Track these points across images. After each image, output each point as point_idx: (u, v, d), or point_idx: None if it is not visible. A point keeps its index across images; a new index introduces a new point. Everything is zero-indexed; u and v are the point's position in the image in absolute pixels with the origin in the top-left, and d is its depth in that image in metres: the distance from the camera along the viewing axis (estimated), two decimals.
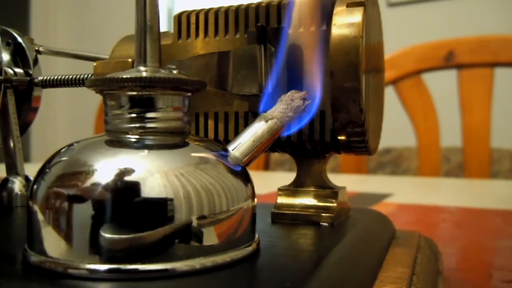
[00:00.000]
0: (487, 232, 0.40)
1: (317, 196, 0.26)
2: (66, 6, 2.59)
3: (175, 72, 0.26)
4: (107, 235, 0.16)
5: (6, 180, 0.29)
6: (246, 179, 0.19)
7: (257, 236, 0.20)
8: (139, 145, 0.18)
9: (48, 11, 2.54)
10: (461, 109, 0.91)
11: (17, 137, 0.30)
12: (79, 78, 0.30)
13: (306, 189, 0.26)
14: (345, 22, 0.23)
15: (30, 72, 0.31)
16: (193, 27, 0.27)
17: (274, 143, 0.26)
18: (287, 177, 0.28)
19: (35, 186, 0.17)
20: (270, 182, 0.72)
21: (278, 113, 0.20)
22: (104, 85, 0.19)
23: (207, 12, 0.27)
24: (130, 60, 0.28)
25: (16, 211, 0.28)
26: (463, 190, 0.74)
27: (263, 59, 0.24)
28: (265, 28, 0.25)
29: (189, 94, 0.20)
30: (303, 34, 0.24)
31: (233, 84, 0.25)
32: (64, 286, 0.15)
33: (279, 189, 0.27)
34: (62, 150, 0.18)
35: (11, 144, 0.30)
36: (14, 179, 0.29)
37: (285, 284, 0.15)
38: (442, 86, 1.07)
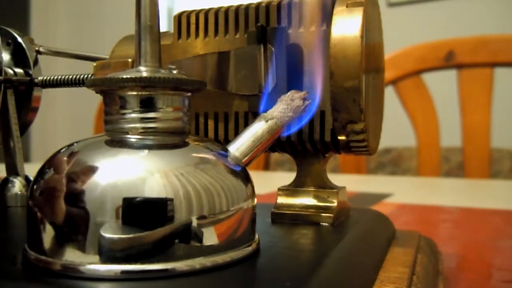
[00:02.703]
0: (487, 232, 0.40)
1: (317, 196, 0.26)
2: (66, 6, 2.59)
3: (175, 72, 0.26)
4: (107, 235, 0.16)
5: (6, 180, 0.29)
6: (246, 179, 0.19)
7: (257, 236, 0.20)
8: (139, 145, 0.18)
9: (48, 11, 2.54)
10: (461, 109, 0.91)
11: (17, 137, 0.30)
12: (79, 78, 0.30)
13: (306, 189, 0.26)
14: (345, 22, 0.23)
15: (30, 72, 0.31)
16: (193, 27, 0.27)
17: (274, 143, 0.26)
18: (287, 177, 0.28)
19: (35, 186, 0.17)
20: (270, 182, 0.72)
21: (278, 113, 0.20)
22: (104, 85, 0.19)
23: (207, 12, 0.27)
24: (130, 60, 0.27)
25: (16, 211, 0.28)
26: (463, 190, 0.74)
27: (262, 59, 0.24)
28: (265, 28, 0.25)
29: (189, 94, 0.20)
30: (303, 34, 0.24)
31: (233, 84, 0.25)
32: (64, 286, 0.15)
33: (279, 189, 0.27)
34: (62, 150, 0.18)
35: (11, 144, 0.30)
36: (14, 179, 0.29)
37: (285, 284, 0.15)
38: (442, 86, 1.07)
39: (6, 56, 0.31)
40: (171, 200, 0.16)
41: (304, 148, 0.26)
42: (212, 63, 0.26)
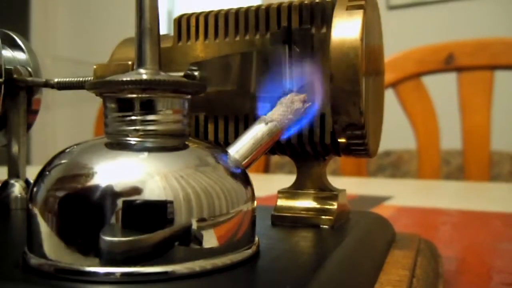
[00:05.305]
0: (487, 235, 0.40)
1: (317, 199, 0.26)
2: (66, 7, 2.59)
3: (196, 73, 0.25)
4: (107, 238, 0.16)
5: (6, 183, 0.29)
6: (246, 181, 0.19)
7: (257, 238, 0.20)
8: (139, 148, 0.18)
9: (48, 12, 2.54)
10: (461, 112, 0.91)
11: (24, 141, 0.30)
12: None
13: (306, 191, 0.26)
14: (345, 24, 0.23)
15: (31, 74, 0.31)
16: (193, 29, 0.27)
17: (274, 146, 0.26)
18: (287, 180, 0.28)
19: (34, 189, 0.17)
20: (270, 185, 0.72)
21: (278, 115, 0.20)
22: (104, 87, 0.19)
23: (207, 14, 0.27)
24: (130, 62, 0.28)
25: (16, 214, 0.28)
26: (463, 193, 0.74)
27: (287, 60, 0.24)
28: (290, 29, 0.24)
29: (189, 96, 0.20)
30: (303, 36, 0.24)
31: (256, 85, 0.25)
32: None
33: (279, 192, 0.27)
34: (62, 153, 0.18)
35: (16, 147, 0.30)
36: (14, 182, 0.29)
37: (285, 287, 0.15)
38: (442, 88, 1.07)
39: (21, 55, 0.31)
40: (171, 202, 0.16)
41: (304, 151, 0.26)
42: (234, 64, 0.26)
